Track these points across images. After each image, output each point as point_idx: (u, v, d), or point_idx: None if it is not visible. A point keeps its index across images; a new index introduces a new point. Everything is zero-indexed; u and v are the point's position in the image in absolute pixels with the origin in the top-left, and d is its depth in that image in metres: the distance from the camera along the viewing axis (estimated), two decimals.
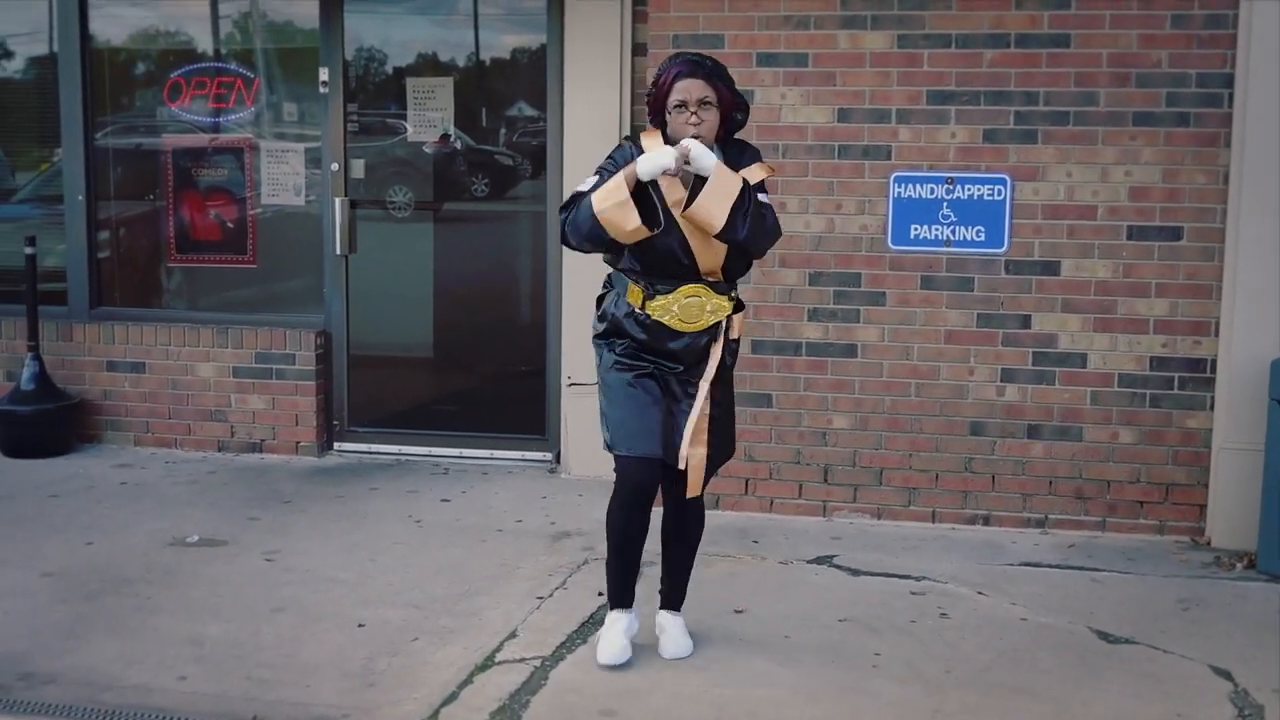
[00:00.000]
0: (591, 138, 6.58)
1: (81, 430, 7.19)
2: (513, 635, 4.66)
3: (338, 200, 7.01)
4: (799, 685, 4.26)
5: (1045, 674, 4.31)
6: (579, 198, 4.14)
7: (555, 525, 5.98)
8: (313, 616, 4.82)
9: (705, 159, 3.97)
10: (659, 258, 4.13)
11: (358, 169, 7.10)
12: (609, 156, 4.29)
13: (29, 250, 6.91)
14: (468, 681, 4.27)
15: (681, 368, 4.25)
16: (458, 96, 7.11)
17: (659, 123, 4.22)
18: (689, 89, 4.05)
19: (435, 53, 7.20)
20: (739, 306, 4.35)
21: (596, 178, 4.16)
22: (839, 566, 5.45)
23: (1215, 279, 5.72)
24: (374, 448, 7.15)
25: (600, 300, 4.42)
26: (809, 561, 5.51)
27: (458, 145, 7.17)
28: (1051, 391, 5.89)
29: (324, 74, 7.01)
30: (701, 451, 4.34)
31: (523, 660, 4.45)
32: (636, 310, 4.18)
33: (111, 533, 5.76)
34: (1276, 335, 5.61)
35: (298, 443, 7.08)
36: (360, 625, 4.74)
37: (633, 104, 6.57)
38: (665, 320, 4.13)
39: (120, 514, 6.04)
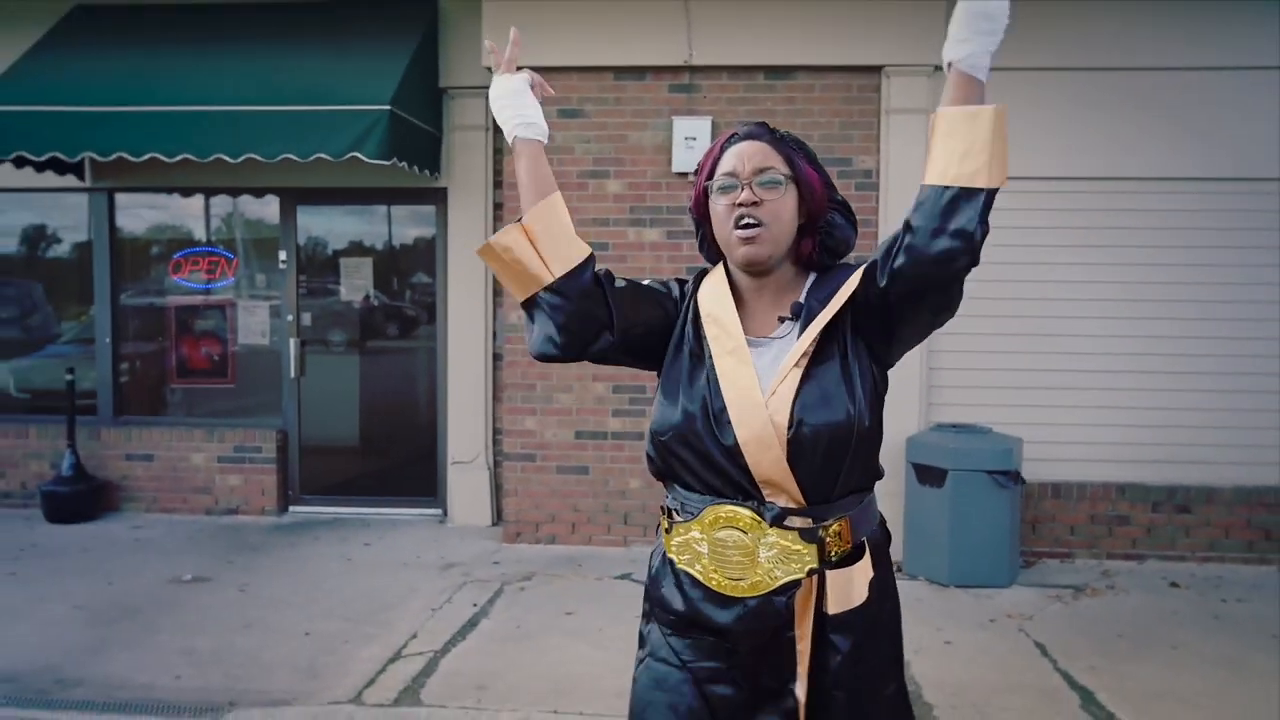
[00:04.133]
0: (465, 296, 6.66)
1: (106, 503, 6.83)
2: (414, 636, 4.60)
3: (292, 340, 6.90)
4: (609, 662, 4.28)
5: None
6: None
7: (443, 559, 5.89)
8: (273, 630, 4.67)
9: None
10: (674, 452, 1.78)
11: (306, 319, 6.99)
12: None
13: (69, 377, 6.65)
14: (383, 670, 4.21)
15: (753, 666, 1.75)
16: (376, 269, 7.06)
17: (712, 251, 1.93)
18: (741, 155, 1.79)
19: (361, 240, 7.14)
20: (856, 552, 1.76)
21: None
22: (635, 581, 5.48)
23: None
24: (317, 509, 6.94)
25: None
26: (615, 578, 5.54)
27: (375, 303, 7.12)
28: None
29: (283, 255, 6.93)
30: None
31: (421, 654, 4.39)
32: (667, 555, 1.83)
33: (126, 575, 5.49)
34: (910, 419, 5.90)
35: (263, 508, 6.84)
36: (307, 634, 4.62)
37: (495, 276, 6.62)
38: (692, 571, 1.76)
39: (133, 562, 5.76)
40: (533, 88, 1.89)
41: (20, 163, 6.18)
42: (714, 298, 1.86)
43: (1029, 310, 5.93)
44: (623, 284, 1.88)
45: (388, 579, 5.48)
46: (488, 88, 6.42)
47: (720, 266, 1.93)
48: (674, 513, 1.83)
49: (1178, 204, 5.88)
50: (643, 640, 1.91)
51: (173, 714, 3.77)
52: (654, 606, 1.88)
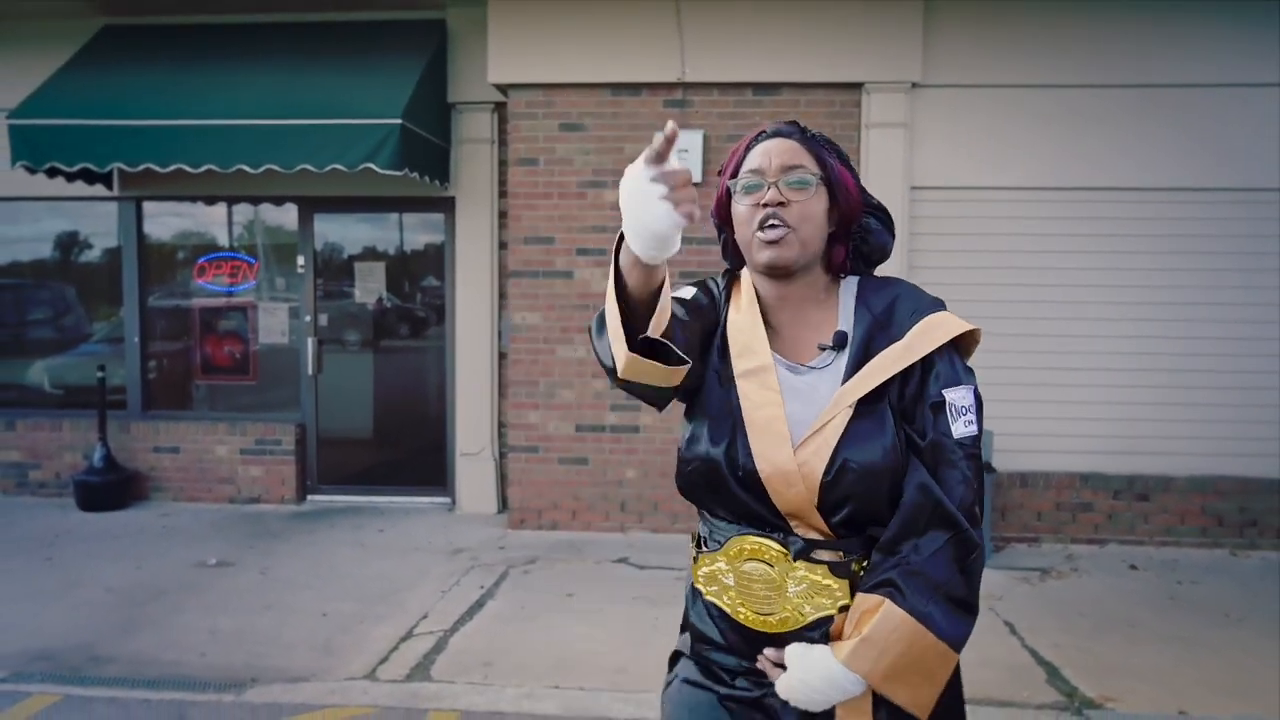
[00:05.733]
0: (472, 299, 6.65)
1: (135, 493, 6.81)
2: (425, 616, 4.59)
3: (310, 339, 6.88)
4: (608, 640, 4.28)
5: None
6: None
7: (452, 544, 5.88)
8: (292, 610, 4.66)
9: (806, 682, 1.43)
10: (700, 466, 1.52)
11: (323, 320, 6.97)
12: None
13: (100, 374, 6.64)
14: (395, 649, 4.20)
15: (777, 700, 1.49)
16: (389, 273, 7.04)
17: (735, 258, 1.64)
18: (768, 152, 1.53)
19: (374, 245, 7.12)
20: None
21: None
22: (632, 564, 5.50)
23: None
24: (334, 498, 6.93)
25: None
26: (613, 562, 5.54)
27: (388, 305, 7.10)
28: None
29: (301, 260, 6.91)
30: None
31: (431, 633, 4.38)
32: (694, 580, 1.61)
33: (155, 560, 5.47)
34: None
35: (282, 496, 6.82)
36: (324, 614, 4.61)
37: (500, 278, 6.64)
38: (719, 603, 1.54)
39: (161, 547, 5.74)
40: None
41: (53, 173, 6.16)
42: (742, 310, 1.58)
43: (1002, 312, 5.92)
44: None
45: (400, 563, 5.47)
46: (493, 103, 6.47)
47: (747, 272, 1.62)
48: (703, 541, 1.59)
49: (1141, 213, 5.89)
50: (674, 660, 1.67)
51: (198, 689, 3.76)
52: (688, 627, 1.65)
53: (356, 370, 7.09)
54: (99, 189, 6.80)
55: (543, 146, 6.08)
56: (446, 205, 6.75)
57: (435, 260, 6.99)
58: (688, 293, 1.59)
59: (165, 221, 7.13)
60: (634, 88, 6.00)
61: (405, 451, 7.08)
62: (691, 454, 1.52)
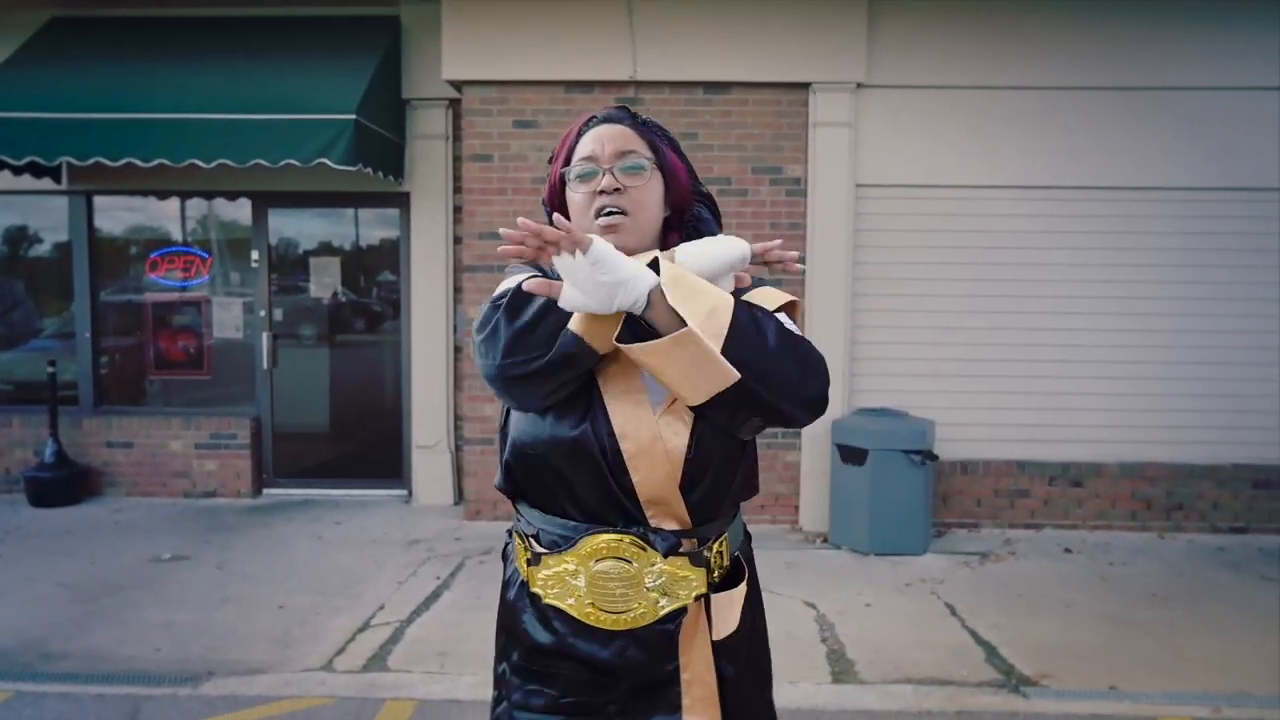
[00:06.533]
0: (427, 294, 6.58)
1: (88, 488, 6.65)
2: (381, 608, 4.55)
3: (265, 334, 6.77)
4: None
5: None
6: (515, 309, 1.38)
7: (408, 536, 5.84)
8: (249, 603, 4.60)
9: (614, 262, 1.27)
10: (549, 469, 1.47)
11: (278, 314, 6.85)
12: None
13: (50, 369, 6.46)
14: (352, 640, 4.16)
15: (633, 702, 1.45)
16: (344, 268, 6.95)
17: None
18: (601, 138, 1.48)
19: (329, 240, 7.02)
20: (735, 574, 1.50)
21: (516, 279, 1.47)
22: None
23: None
24: (290, 491, 6.83)
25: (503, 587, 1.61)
26: None
27: (343, 299, 7.01)
28: None
29: (255, 255, 6.79)
30: None
31: (388, 624, 4.35)
32: (530, 588, 1.49)
33: (109, 555, 5.35)
34: (835, 404, 5.96)
35: (238, 490, 6.71)
36: (281, 607, 4.55)
37: (455, 273, 6.59)
38: (565, 607, 1.44)
39: (115, 542, 5.62)
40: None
41: None
42: None
43: (943, 305, 6.03)
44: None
45: (356, 555, 5.41)
46: (447, 99, 6.40)
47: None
48: (533, 540, 1.48)
49: (1074, 209, 6.02)
50: (499, 682, 1.55)
51: (154, 684, 3.69)
52: (510, 641, 1.52)
53: (312, 364, 6.98)
54: (47, 182, 6.61)
55: (497, 143, 6.04)
56: (401, 200, 6.68)
57: (390, 255, 6.90)
58: (517, 279, 1.45)
59: (117, 215, 6.96)
60: (587, 85, 5.98)
61: (362, 444, 7.00)
62: (537, 439, 1.45)
